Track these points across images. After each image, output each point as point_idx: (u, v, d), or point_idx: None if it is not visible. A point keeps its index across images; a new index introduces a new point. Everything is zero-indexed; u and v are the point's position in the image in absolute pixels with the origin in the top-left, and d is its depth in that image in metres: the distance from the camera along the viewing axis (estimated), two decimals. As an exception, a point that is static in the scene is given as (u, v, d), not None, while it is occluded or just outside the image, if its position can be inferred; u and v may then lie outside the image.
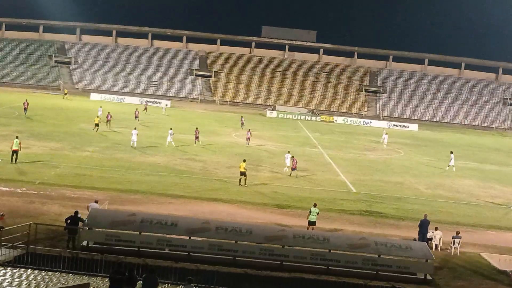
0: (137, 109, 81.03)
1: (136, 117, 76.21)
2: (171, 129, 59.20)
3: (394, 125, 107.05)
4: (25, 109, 73.23)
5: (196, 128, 61.85)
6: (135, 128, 58.04)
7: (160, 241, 26.52)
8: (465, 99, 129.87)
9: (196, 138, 60.54)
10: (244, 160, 44.29)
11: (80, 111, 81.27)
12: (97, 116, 67.21)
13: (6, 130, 57.12)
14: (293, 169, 48.11)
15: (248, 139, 63.74)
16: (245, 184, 42.76)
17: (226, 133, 71.13)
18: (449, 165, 59.05)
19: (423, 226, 31.54)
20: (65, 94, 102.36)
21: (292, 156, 49.55)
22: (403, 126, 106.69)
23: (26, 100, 75.75)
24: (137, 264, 23.83)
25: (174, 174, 44.75)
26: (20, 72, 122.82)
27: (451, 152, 60.66)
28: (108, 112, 69.58)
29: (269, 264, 26.41)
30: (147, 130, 67.31)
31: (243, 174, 42.98)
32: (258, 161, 45.67)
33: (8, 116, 69.83)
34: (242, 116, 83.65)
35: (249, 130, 65.42)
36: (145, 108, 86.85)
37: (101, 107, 77.27)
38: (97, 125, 63.38)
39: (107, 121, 67.37)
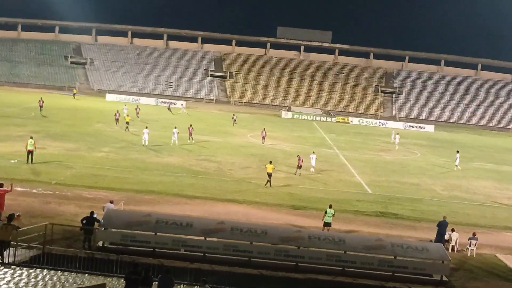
0: (137, 106, 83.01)
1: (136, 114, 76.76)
2: (175, 127, 59.77)
3: (410, 126, 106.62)
4: (41, 107, 75.39)
5: (190, 125, 62.58)
6: (146, 127, 58.49)
7: (176, 242, 26.49)
8: (482, 100, 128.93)
9: (190, 135, 61.09)
10: (271, 162, 44.21)
11: (95, 111, 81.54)
12: (127, 115, 69.07)
13: (22, 131, 57.43)
14: (299, 167, 48.32)
15: (263, 138, 64.58)
16: (270, 185, 42.63)
17: (241, 134, 71.08)
18: (456, 165, 58.87)
19: (442, 227, 31.29)
20: (74, 93, 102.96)
21: (298, 155, 49.96)
22: (419, 127, 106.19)
23: (41, 98, 77.77)
24: (153, 264, 23.81)
25: (189, 175, 44.75)
26: (36, 73, 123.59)
27: (457, 152, 60.44)
28: (117, 111, 71.46)
29: (284, 265, 26.31)
30: (162, 130, 67.37)
31: (269, 175, 42.86)
32: (273, 162, 45.59)
33: (24, 116, 70.24)
34: (234, 114, 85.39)
35: (264, 129, 66.32)
36: (137, 111, 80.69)
37: (125, 105, 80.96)
38: (128, 123, 65.54)
39: (116, 119, 69.42)
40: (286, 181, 44.82)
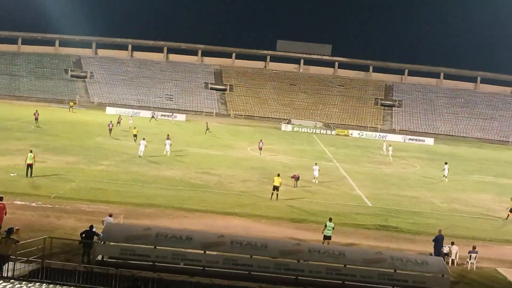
0: (120, 116, 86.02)
1: (118, 122, 78.07)
2: (168, 138, 60.33)
3: (409, 139, 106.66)
4: (36, 119, 76.23)
5: (168, 135, 63.22)
6: (143, 139, 59.00)
7: (175, 255, 26.42)
8: (481, 113, 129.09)
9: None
10: (278, 175, 44.23)
11: (95, 125, 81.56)
12: (134, 128, 71.03)
13: (22, 144, 57.44)
14: (296, 179, 48.74)
15: (260, 149, 65.40)
16: (276, 199, 42.60)
17: (241, 147, 71.12)
18: (444, 176, 59.26)
19: (439, 241, 31.25)
20: (71, 106, 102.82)
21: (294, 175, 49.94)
22: (419, 140, 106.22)
23: (37, 110, 78.92)
24: (152, 278, 23.76)
25: (189, 188, 44.74)
26: (36, 86, 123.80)
27: (446, 163, 60.72)
28: (110, 121, 73.54)
29: (284, 279, 26.25)
30: (161, 142, 67.34)
31: (276, 188, 42.83)
32: (273, 174, 45.68)
33: (24, 130, 70.31)
34: (207, 122, 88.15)
35: (261, 140, 67.41)
36: (118, 122, 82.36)
37: (131, 116, 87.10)
38: (135, 135, 66.75)
39: (110, 129, 71.48)
40: (286, 194, 44.78)
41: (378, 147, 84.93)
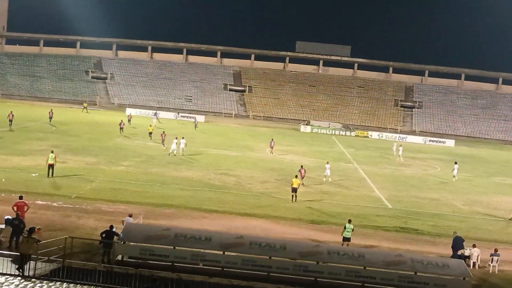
0: (130, 114, 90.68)
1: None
2: (176, 138, 61.28)
3: (430, 140, 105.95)
4: (50, 118, 78.71)
5: (163, 132, 66.05)
6: (182, 138, 61.15)
7: (194, 256, 26.46)
8: (503, 115, 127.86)
9: (163, 140, 64.44)
10: (296, 176, 44.23)
11: (115, 125, 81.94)
12: (150, 126, 73.93)
13: (43, 145, 57.89)
14: (301, 178, 48.60)
15: (272, 148, 66.80)
16: (295, 200, 42.56)
17: (260, 148, 71.08)
18: (454, 176, 59.27)
19: (458, 243, 31.05)
20: (85, 107, 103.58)
21: (301, 166, 50.85)
22: (440, 142, 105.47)
23: (51, 109, 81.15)
24: (171, 278, 23.82)
25: (208, 189, 44.80)
26: (57, 87, 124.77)
27: (455, 163, 60.88)
28: (121, 120, 75.88)
29: (303, 281, 26.18)
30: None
31: (294, 190, 42.79)
32: (292, 176, 45.63)
33: (45, 130, 70.89)
34: (195, 117, 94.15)
35: (272, 139, 69.08)
36: (129, 120, 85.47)
37: (155, 113, 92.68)
38: (151, 133, 68.89)
39: (120, 128, 73.83)
40: (305, 196, 44.68)
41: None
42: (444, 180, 59.33)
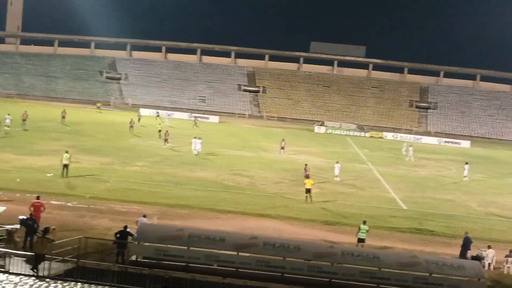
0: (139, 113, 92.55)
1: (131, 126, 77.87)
2: (195, 137, 61.99)
3: (445, 141, 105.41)
4: (63, 117, 79.88)
5: (167, 131, 67.61)
6: (199, 138, 61.85)
7: (208, 257, 26.38)
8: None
9: (166, 140, 65.84)
10: (308, 177, 44.10)
11: (128, 125, 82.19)
12: (159, 124, 76.82)
13: (57, 145, 58.10)
14: (306, 177, 48.13)
15: (282, 148, 67.35)
16: (311, 201, 42.45)
17: (274, 149, 70.93)
18: (464, 176, 59.24)
19: (468, 243, 30.93)
20: (98, 107, 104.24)
21: (306, 164, 51.65)
22: (455, 143, 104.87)
23: (64, 109, 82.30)
24: (185, 279, 23.78)
25: (222, 189, 44.75)
26: (72, 88, 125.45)
27: (466, 163, 60.87)
28: (131, 119, 77.66)
29: (318, 281, 26.04)
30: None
31: (308, 191, 42.69)
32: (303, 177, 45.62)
33: (59, 130, 71.19)
34: (194, 116, 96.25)
35: (283, 140, 69.57)
36: (139, 119, 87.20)
37: (168, 114, 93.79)
38: (160, 131, 69.89)
39: (130, 127, 76.07)
40: (319, 197, 44.51)
41: (413, 150, 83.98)
42: (459, 181, 58.96)
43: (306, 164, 52.03)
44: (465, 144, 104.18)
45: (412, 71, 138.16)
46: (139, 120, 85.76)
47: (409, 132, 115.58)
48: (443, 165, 72.08)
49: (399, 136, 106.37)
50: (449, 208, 46.09)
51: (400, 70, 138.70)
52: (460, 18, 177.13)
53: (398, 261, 26.69)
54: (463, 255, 30.78)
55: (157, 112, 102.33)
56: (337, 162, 54.49)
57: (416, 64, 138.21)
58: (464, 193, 53.29)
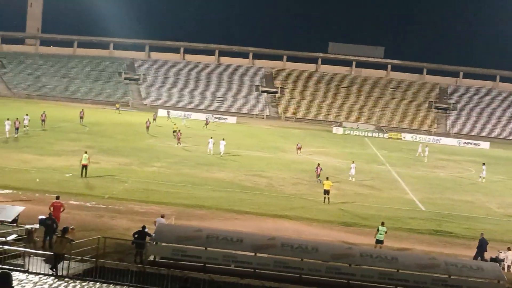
0: (155, 113, 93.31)
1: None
2: (211, 138, 62.54)
3: (464, 142, 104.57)
4: (81, 118, 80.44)
5: (179, 131, 68.01)
6: (211, 137, 62.28)
7: (226, 257, 26.40)
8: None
9: (178, 140, 66.32)
10: (328, 178, 44.01)
11: (150, 127, 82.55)
12: (174, 124, 77.27)
13: (76, 146, 58.47)
14: (318, 176, 50.36)
15: (299, 149, 67.68)
16: (328, 202, 42.35)
17: (292, 150, 70.79)
18: (480, 176, 59.25)
19: (484, 245, 30.74)
20: (117, 108, 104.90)
21: (318, 164, 52.23)
22: (474, 144, 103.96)
23: (82, 110, 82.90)
24: (203, 279, 23.80)
25: (239, 190, 44.78)
26: (90, 88, 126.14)
27: (483, 164, 60.81)
28: (148, 119, 78.81)
29: (336, 283, 25.97)
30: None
31: (326, 192, 42.59)
32: (324, 178, 45.43)
33: (78, 131, 71.63)
34: (207, 118, 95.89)
35: (299, 143, 69.65)
36: (154, 119, 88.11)
37: (185, 115, 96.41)
38: (174, 131, 69.66)
39: (147, 127, 76.48)
40: (337, 198, 44.40)
41: (432, 151, 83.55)
42: (478, 183, 58.50)
43: (318, 164, 52.38)
44: (485, 145, 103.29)
45: (431, 72, 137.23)
46: (154, 120, 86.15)
47: (428, 133, 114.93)
48: (462, 166, 71.58)
49: (418, 137, 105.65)
50: (469, 209, 45.77)
51: (419, 70, 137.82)
52: (479, 18, 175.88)
53: (416, 262, 26.56)
54: (478, 256, 30.52)
55: (168, 112, 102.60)
56: (353, 162, 54.68)
57: (435, 64, 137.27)
58: (484, 194, 52.88)
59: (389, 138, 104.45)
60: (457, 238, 36.52)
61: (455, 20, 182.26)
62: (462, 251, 33.23)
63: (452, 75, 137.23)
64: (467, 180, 61.01)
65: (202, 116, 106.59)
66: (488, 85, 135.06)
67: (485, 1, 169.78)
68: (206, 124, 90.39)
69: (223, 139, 62.63)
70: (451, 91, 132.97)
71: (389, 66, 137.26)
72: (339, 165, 61.78)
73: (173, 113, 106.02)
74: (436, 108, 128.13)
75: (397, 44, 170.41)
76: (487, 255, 30.88)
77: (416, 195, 49.17)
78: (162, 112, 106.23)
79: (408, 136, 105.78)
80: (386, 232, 31.57)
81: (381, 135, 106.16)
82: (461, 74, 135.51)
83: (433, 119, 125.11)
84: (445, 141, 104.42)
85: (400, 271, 26.08)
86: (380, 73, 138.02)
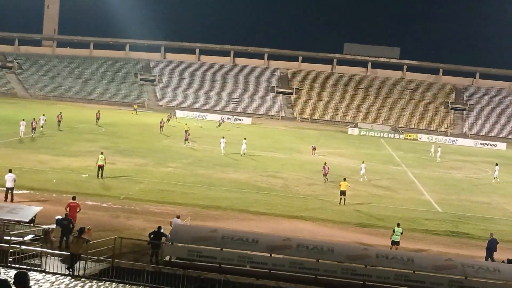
0: (170, 113, 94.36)
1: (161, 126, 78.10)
2: (223, 137, 62.70)
3: (481, 143, 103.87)
4: (97, 118, 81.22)
5: (187, 130, 68.37)
6: (223, 137, 62.48)
7: (241, 258, 26.42)
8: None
9: (186, 139, 66.82)
10: (345, 179, 43.93)
11: (165, 128, 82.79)
12: (186, 124, 77.35)
13: (93, 146, 58.80)
14: (325, 175, 50.78)
15: (314, 149, 67.89)
16: (344, 203, 42.28)
17: (307, 150, 70.70)
18: (494, 177, 59.00)
19: (493, 245, 30.63)
20: (135, 109, 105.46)
21: (325, 163, 52.43)
22: (491, 145, 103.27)
23: (99, 111, 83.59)
24: (219, 280, 23.84)
25: (255, 191, 44.80)
26: (107, 90, 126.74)
27: (496, 164, 60.80)
28: (162, 119, 79.78)
29: (351, 284, 25.90)
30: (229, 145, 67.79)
31: (343, 193, 42.51)
32: (339, 178, 45.38)
33: (95, 132, 71.98)
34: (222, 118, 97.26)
35: (314, 145, 70.00)
36: (168, 119, 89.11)
37: (198, 117, 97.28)
38: (186, 131, 69.31)
39: (161, 127, 77.20)
40: (353, 199, 44.27)
41: (448, 152, 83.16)
42: (495, 184, 58.12)
43: (325, 163, 52.53)
44: (501, 146, 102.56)
45: (447, 73, 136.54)
46: (168, 120, 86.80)
47: (444, 134, 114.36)
48: (478, 167, 71.13)
49: (434, 138, 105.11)
50: (485, 210, 45.50)
51: (435, 71, 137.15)
52: (496, 18, 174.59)
53: (433, 264, 26.43)
54: (488, 257, 30.33)
55: (174, 112, 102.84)
56: (363, 162, 54.87)
57: (451, 65, 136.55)
58: (501, 195, 52.53)
59: (405, 139, 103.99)
60: (473, 239, 36.31)
61: (471, 20, 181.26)
62: (479, 252, 32.98)
63: (468, 76, 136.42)
64: (484, 181, 60.61)
65: (217, 117, 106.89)
66: (504, 86, 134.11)
67: (501, 1, 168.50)
68: (219, 125, 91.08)
69: (245, 138, 63.65)
70: (468, 92, 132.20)
71: (405, 66, 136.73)
72: (354, 166, 61.54)
73: (180, 113, 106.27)
74: (452, 108, 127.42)
75: (413, 45, 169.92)
76: (498, 255, 30.65)
77: (432, 196, 48.94)
78: (177, 113, 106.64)
79: (424, 137, 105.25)
80: (402, 233, 31.44)
81: (396, 136, 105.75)
82: (478, 74, 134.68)
83: (449, 120, 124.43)
84: (462, 142, 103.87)
85: (416, 272, 25.96)
86: (396, 73, 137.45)
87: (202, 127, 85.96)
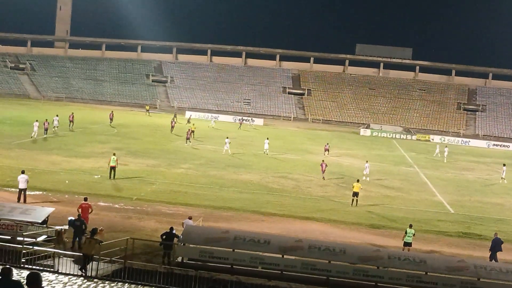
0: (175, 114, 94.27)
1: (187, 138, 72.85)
2: (227, 137, 63.11)
3: (494, 144, 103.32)
4: (111, 119, 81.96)
5: (189, 129, 69.35)
6: (227, 137, 62.94)
7: (253, 259, 26.42)
8: None
9: (187, 138, 67.36)
10: (358, 181, 43.86)
11: (175, 128, 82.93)
12: (193, 124, 77.92)
13: (105, 147, 59.00)
14: (323, 172, 51.83)
15: (327, 150, 67.80)
16: (356, 205, 42.21)
17: (319, 152, 70.61)
18: (502, 177, 58.88)
19: (497, 245, 30.52)
20: (147, 110, 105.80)
21: (323, 160, 53.40)
22: (504, 146, 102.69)
23: (112, 111, 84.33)
24: (231, 281, 23.86)
25: (266, 192, 44.80)
26: (119, 91, 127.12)
27: (504, 165, 60.78)
28: (173, 119, 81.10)
29: (363, 285, 25.84)
30: (239, 147, 67.80)
31: (355, 194, 42.44)
32: (352, 179, 45.31)
33: (107, 133, 72.21)
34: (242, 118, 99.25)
35: (327, 143, 69.98)
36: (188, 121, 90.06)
37: (214, 118, 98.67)
38: (192, 131, 70.17)
39: (172, 126, 78.30)
40: (365, 200, 44.17)
41: (461, 153, 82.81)
42: (507, 185, 57.81)
43: (323, 160, 53.61)
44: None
45: (459, 73, 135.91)
46: (176, 119, 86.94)
47: (457, 135, 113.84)
48: (491, 169, 70.75)
49: (447, 139, 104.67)
50: (498, 212, 45.28)
51: (447, 72, 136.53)
52: (509, 19, 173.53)
53: (445, 265, 26.31)
54: (492, 257, 30.19)
55: (174, 114, 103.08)
56: (367, 162, 55.17)
57: (464, 66, 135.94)
58: (514, 197, 52.24)
59: (417, 140, 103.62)
60: (486, 241, 36.01)
61: (484, 21, 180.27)
62: (492, 254, 32.83)
63: (481, 76, 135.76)
64: (496, 182, 60.28)
65: (229, 118, 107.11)
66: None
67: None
68: (240, 125, 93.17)
69: (267, 138, 64.99)
70: (480, 93, 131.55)
71: (417, 67, 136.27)
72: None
73: (192, 114, 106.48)
74: (464, 109, 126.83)
75: (425, 45, 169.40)
76: (502, 255, 30.55)
77: (444, 197, 48.75)
78: (189, 114, 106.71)
79: (436, 138, 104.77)
80: (414, 234, 31.35)
81: (409, 137, 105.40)
82: (490, 75, 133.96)
83: (461, 121, 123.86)
84: (474, 143, 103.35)
85: (428, 273, 25.85)
86: (408, 74, 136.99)
87: (216, 128, 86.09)
